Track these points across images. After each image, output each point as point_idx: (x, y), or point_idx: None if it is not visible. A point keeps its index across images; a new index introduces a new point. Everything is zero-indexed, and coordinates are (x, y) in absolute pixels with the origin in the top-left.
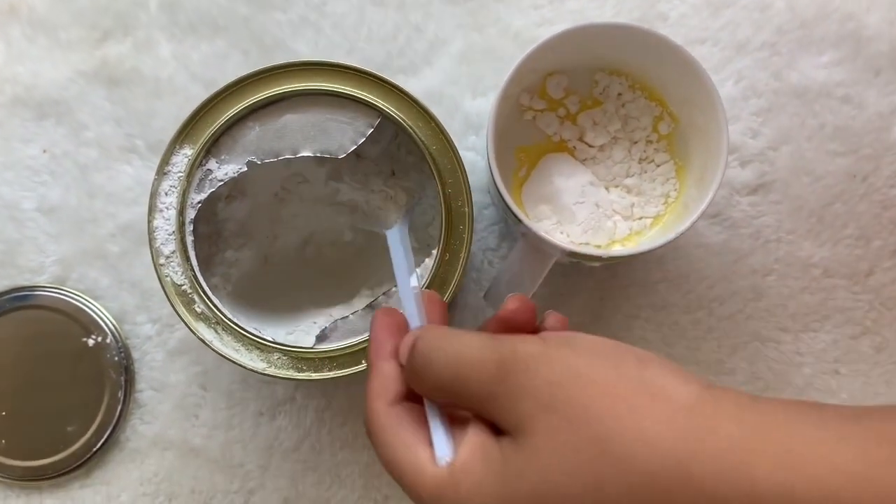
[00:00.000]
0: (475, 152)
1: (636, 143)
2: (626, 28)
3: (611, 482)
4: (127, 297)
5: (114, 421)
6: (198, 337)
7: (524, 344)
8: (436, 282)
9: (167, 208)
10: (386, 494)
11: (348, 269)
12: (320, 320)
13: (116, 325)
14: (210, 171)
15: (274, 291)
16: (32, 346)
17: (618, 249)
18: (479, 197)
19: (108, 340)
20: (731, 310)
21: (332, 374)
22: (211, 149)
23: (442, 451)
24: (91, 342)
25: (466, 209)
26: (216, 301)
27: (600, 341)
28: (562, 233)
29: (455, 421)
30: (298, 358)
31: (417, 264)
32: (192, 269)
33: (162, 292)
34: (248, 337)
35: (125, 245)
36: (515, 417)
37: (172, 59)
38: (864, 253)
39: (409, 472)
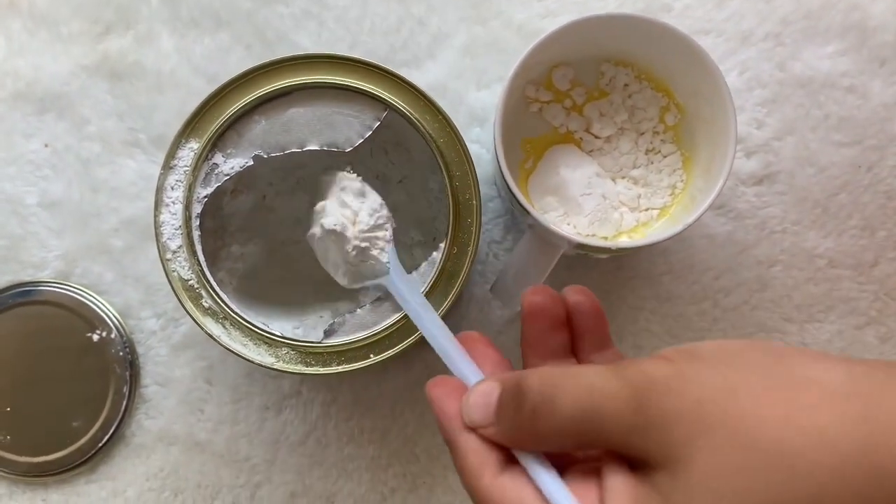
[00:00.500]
0: (479, 145)
1: (643, 134)
2: (632, 18)
3: (794, 489)
4: (131, 292)
5: (119, 416)
6: (206, 332)
7: (652, 366)
8: (444, 275)
9: (173, 203)
10: (392, 487)
11: None
12: (326, 315)
13: (121, 320)
14: (216, 165)
15: (279, 286)
16: (36, 342)
17: (625, 241)
18: (483, 190)
19: (112, 335)
20: (736, 301)
21: (340, 369)
22: (217, 143)
23: None
24: (95, 337)
25: (474, 201)
26: (224, 296)
27: (725, 345)
28: (568, 224)
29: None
30: (306, 352)
31: (424, 258)
32: (200, 264)
33: (166, 287)
34: (256, 332)
35: (129, 240)
36: (667, 447)
37: (174, 53)
38: (868, 243)
39: None
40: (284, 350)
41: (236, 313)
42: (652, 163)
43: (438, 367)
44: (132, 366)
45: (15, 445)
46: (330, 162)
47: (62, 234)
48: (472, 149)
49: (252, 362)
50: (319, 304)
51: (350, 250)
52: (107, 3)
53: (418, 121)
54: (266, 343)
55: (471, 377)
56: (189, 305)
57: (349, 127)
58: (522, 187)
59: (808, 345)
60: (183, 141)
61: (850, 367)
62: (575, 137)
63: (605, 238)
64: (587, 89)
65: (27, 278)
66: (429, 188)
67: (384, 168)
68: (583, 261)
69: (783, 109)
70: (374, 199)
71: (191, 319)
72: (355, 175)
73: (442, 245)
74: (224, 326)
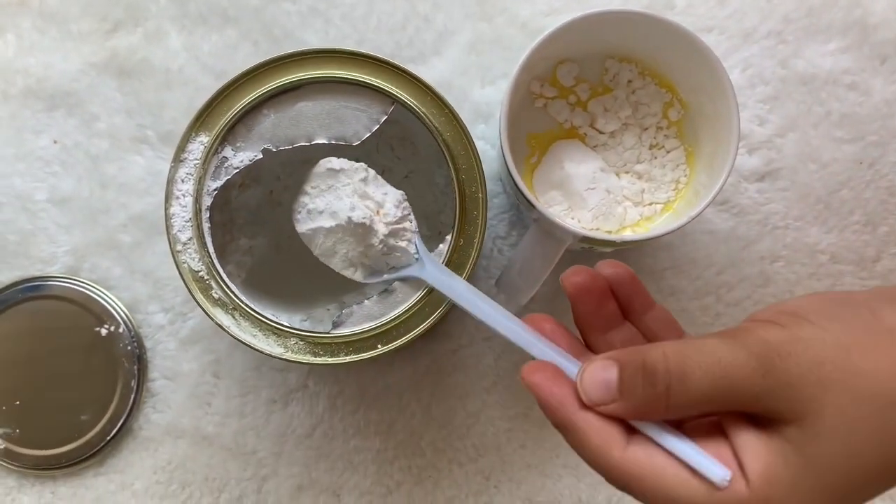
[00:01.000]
0: (484, 141)
1: (646, 129)
2: (636, 15)
3: None
4: (139, 287)
5: (127, 410)
6: (216, 322)
7: (767, 332)
8: (450, 266)
9: (184, 195)
10: (398, 480)
11: None
12: (333, 307)
13: (129, 315)
14: (226, 158)
15: (287, 279)
16: (45, 337)
17: (629, 234)
18: (488, 186)
19: (120, 330)
20: (739, 296)
21: (348, 359)
22: (226, 136)
23: (718, 471)
24: (104, 332)
25: (480, 195)
26: (233, 287)
27: (825, 300)
28: (573, 218)
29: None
30: (315, 343)
31: (431, 251)
32: (209, 256)
33: (176, 281)
34: (265, 323)
35: (137, 235)
36: (797, 403)
37: (183, 50)
38: (870, 239)
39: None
40: (293, 341)
41: (246, 304)
42: (655, 158)
43: (444, 359)
44: (140, 360)
45: (24, 439)
46: (336, 156)
47: (71, 229)
48: (478, 145)
49: (261, 352)
50: (327, 297)
51: (376, 243)
52: (116, 1)
53: (425, 114)
54: (275, 334)
55: (561, 359)
56: (199, 296)
57: (357, 121)
58: (527, 182)
59: None
60: (193, 134)
61: None
62: (579, 133)
63: (609, 232)
64: (591, 85)
65: (36, 273)
66: (435, 182)
67: (390, 162)
68: (587, 255)
69: (785, 106)
70: (392, 190)
71: (199, 313)
72: (365, 166)
73: (448, 237)
74: (234, 317)
